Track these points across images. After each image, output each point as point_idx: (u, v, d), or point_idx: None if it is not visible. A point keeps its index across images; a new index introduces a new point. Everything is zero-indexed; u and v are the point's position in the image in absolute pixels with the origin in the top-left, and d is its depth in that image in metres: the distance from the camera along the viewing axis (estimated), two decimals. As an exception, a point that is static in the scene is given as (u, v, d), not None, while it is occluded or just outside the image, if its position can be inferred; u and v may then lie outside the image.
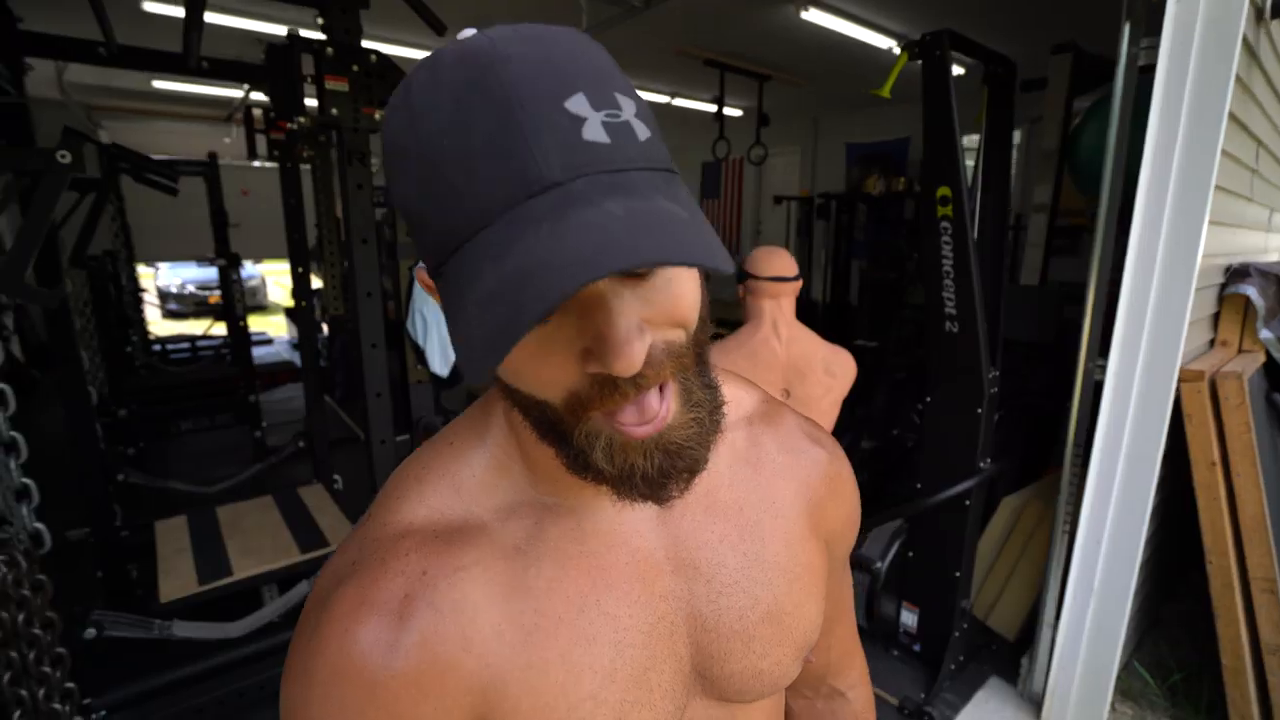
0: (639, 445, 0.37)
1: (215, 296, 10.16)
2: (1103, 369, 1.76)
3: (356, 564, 0.41)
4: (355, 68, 1.62)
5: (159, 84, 5.80)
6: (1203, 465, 1.81)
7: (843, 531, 0.57)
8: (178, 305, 10.90)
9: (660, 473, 0.37)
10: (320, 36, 1.64)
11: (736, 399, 0.52)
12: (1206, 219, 1.57)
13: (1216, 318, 2.14)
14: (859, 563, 2.26)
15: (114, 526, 2.73)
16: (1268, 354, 2.08)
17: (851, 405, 3.29)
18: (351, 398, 5.54)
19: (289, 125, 2.14)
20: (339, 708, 0.37)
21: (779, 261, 1.68)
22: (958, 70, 1.86)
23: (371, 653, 0.37)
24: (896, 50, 4.03)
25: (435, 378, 1.97)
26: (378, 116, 1.72)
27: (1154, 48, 1.55)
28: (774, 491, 0.50)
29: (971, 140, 2.11)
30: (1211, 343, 2.15)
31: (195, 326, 7.84)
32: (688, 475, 0.39)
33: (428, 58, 0.36)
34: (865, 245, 6.18)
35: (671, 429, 0.37)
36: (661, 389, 0.37)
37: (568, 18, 3.40)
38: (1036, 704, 2.03)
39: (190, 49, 2.19)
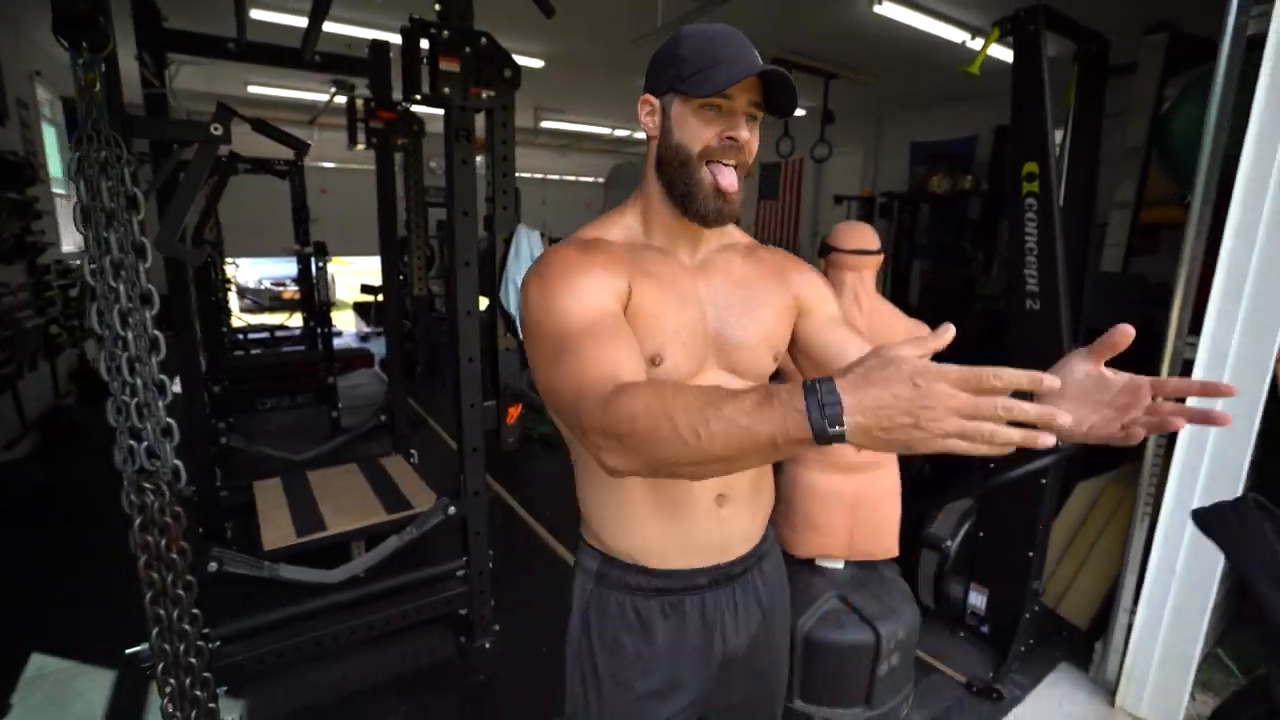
0: (716, 194, 0.81)
1: (290, 292, 10.74)
2: (1193, 346, 1.74)
3: (553, 249, 0.83)
4: (467, 49, 1.75)
5: (253, 89, 6.22)
6: (1300, 447, 1.77)
7: (818, 303, 0.96)
8: (254, 300, 11.51)
9: (717, 209, 0.82)
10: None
11: (746, 235, 1.01)
12: (1310, 193, 1.55)
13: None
14: (929, 542, 2.26)
15: (215, 487, 2.97)
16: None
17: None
18: (432, 374, 5.80)
19: (399, 108, 2.29)
20: (560, 264, 0.80)
21: (861, 235, 1.73)
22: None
23: (575, 248, 0.83)
24: (970, 43, 4.02)
25: (523, 344, 2.09)
26: (484, 96, 1.85)
27: (1265, 15, 1.54)
28: (764, 272, 0.94)
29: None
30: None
31: (270, 320, 8.30)
32: (725, 218, 0.83)
33: (686, 28, 0.83)
34: (927, 246, 6.11)
35: (731, 192, 0.82)
36: (736, 168, 0.82)
37: (645, 9, 3.52)
38: (1110, 691, 2.00)
39: (309, 44, 2.39)
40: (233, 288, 8.63)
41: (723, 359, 0.88)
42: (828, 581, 1.86)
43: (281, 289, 11.33)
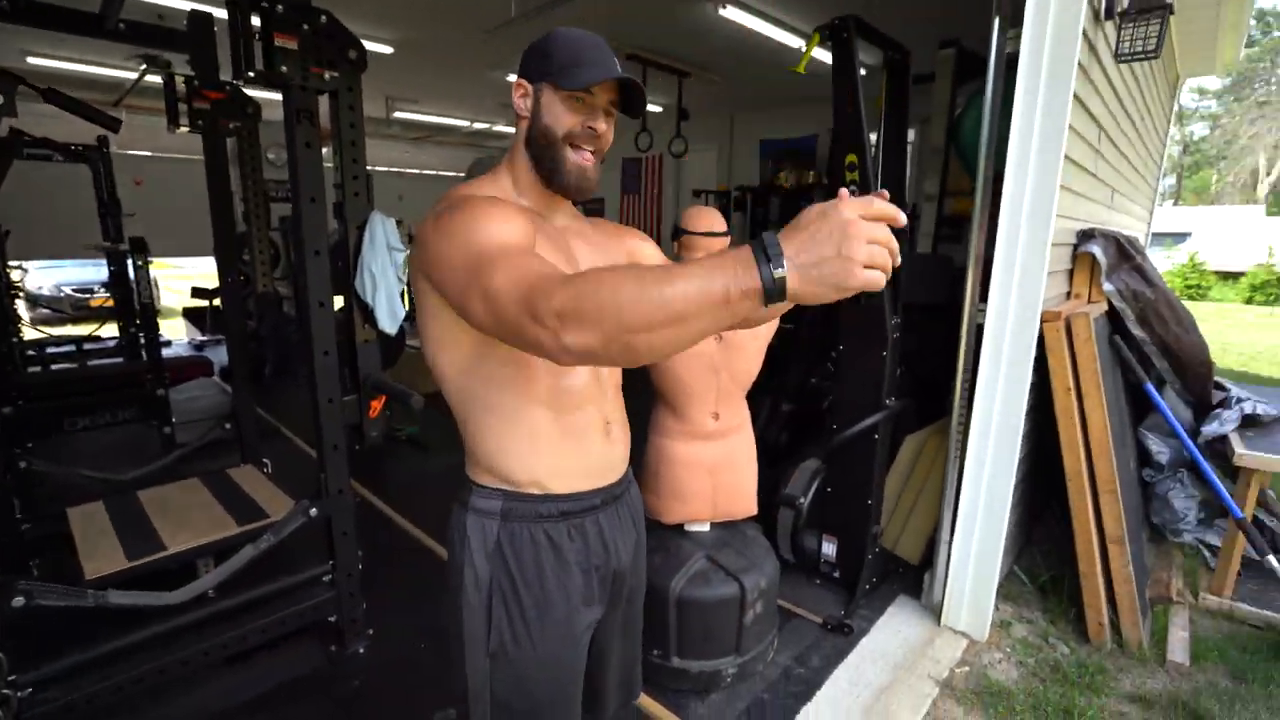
0: (580, 171, 0.96)
1: (100, 299, 9.39)
2: (983, 312, 2.06)
3: (463, 195, 0.92)
4: (305, 26, 1.67)
5: (35, 61, 5.37)
6: (1061, 391, 2.16)
7: (649, 257, 1.17)
8: (53, 309, 9.96)
9: (579, 183, 0.97)
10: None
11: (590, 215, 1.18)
12: (1058, 181, 1.90)
13: (1071, 275, 2.53)
14: (784, 501, 2.49)
15: (14, 519, 2.58)
16: (1110, 303, 2.49)
17: (771, 374, 3.56)
18: (282, 376, 5.35)
19: (228, 88, 2.10)
20: (477, 202, 0.87)
21: (710, 218, 1.88)
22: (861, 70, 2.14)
23: (483, 198, 0.90)
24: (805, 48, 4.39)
25: (383, 336, 2.02)
26: (327, 77, 1.77)
27: (1017, 37, 1.87)
28: (608, 236, 1.12)
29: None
30: (1068, 295, 2.54)
31: (77, 332, 7.21)
32: (584, 192, 0.98)
33: (560, 29, 0.97)
34: (779, 237, 6.59)
35: (589, 170, 0.97)
36: (594, 154, 0.98)
37: (498, 3, 3.50)
38: (936, 612, 2.33)
39: (111, 9, 2.13)
40: (21, 295, 7.40)
41: None
42: (696, 544, 1.99)
43: (88, 296, 9.91)
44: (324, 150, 2.11)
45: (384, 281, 1.96)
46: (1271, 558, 2.20)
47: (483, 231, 0.81)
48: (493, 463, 0.98)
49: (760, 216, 6.47)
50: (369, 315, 2.00)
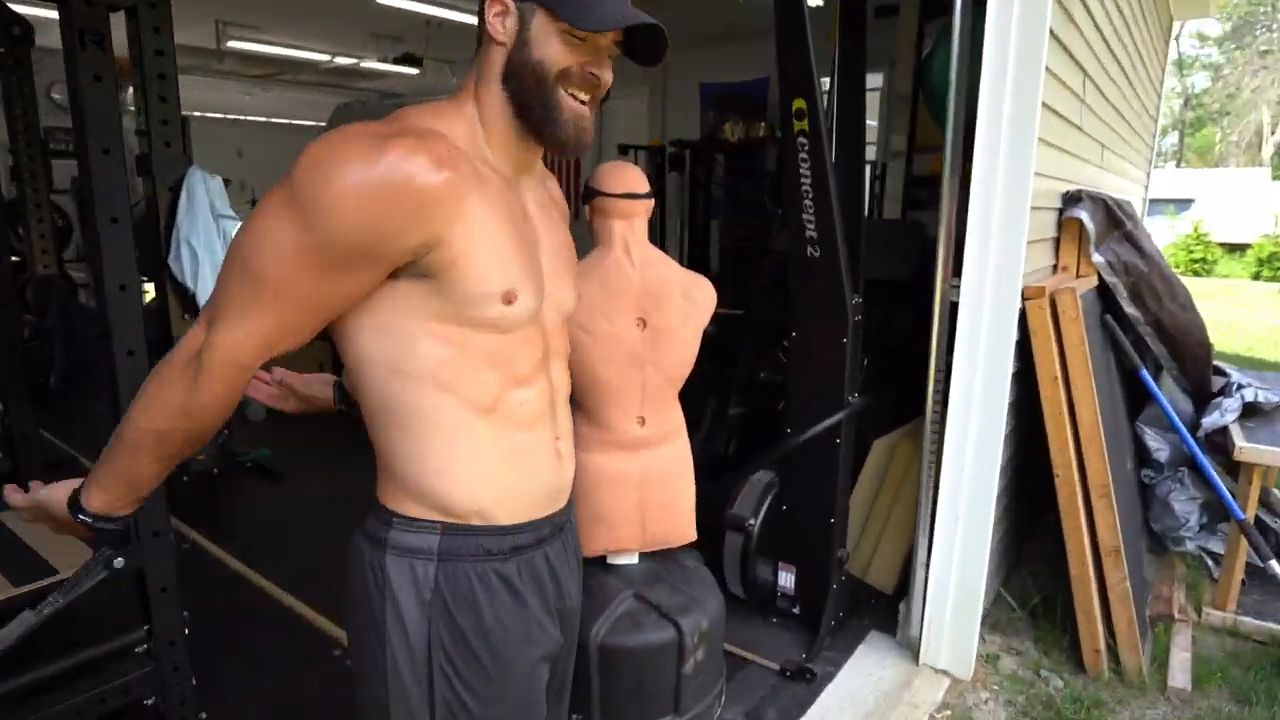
0: (577, 119, 0.95)
1: None
2: (957, 289, 2.17)
3: (404, 128, 0.86)
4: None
5: None
6: (1047, 380, 2.31)
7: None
8: None
9: (577, 136, 0.96)
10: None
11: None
12: (1035, 133, 2.02)
13: (1058, 244, 2.70)
14: (731, 523, 2.54)
15: None
16: (1100, 277, 2.67)
17: (715, 369, 3.62)
18: (74, 382, 5.04)
19: None
20: (387, 191, 0.80)
21: (629, 177, 1.89)
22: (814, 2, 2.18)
23: (419, 169, 0.81)
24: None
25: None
26: (122, -12, 1.67)
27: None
28: (557, 208, 1.15)
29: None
30: (1054, 268, 2.71)
31: None
32: (582, 147, 0.98)
33: None
34: (725, 202, 6.66)
35: (586, 119, 0.97)
36: (588, 103, 0.97)
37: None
38: (914, 649, 2.43)
39: None
40: None
41: (549, 297, 1.05)
42: (622, 580, 2.01)
43: None
44: (129, 91, 2.00)
45: (208, 258, 1.86)
46: (1274, 562, 2.42)
47: (324, 238, 0.82)
48: (427, 487, 0.96)
49: (702, 178, 6.53)
50: (189, 302, 1.90)
